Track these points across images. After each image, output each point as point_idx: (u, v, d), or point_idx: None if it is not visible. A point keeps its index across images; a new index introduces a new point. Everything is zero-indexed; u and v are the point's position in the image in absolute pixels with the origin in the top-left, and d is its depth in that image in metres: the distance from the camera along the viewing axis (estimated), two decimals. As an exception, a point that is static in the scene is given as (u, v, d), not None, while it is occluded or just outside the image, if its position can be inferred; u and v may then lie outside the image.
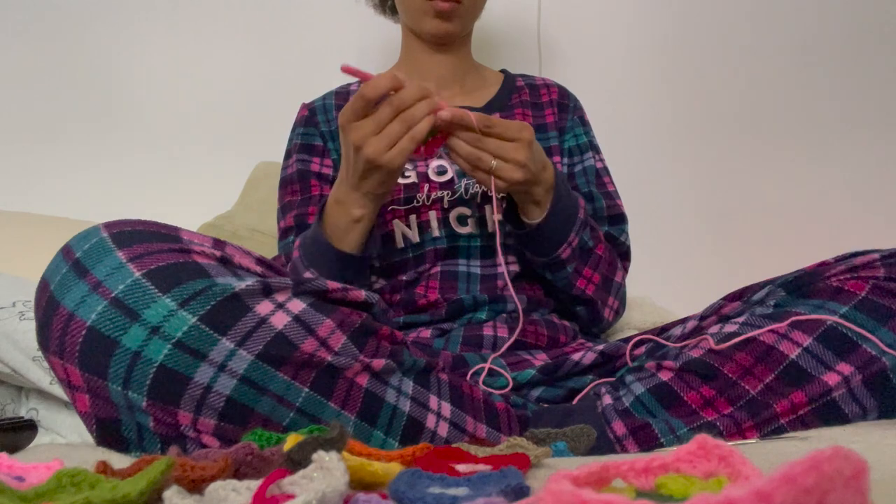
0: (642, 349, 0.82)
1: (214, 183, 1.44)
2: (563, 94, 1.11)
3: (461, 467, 0.42)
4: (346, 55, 1.51)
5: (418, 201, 0.94)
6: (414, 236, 0.94)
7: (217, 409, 0.54)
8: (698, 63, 1.54)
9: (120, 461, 0.44)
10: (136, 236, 0.56)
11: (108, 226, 0.57)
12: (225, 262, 0.58)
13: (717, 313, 0.78)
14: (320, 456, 0.35)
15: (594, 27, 1.54)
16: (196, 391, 0.53)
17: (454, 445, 0.48)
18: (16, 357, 0.87)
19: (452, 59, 1.06)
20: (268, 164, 1.41)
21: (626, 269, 1.00)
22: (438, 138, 0.79)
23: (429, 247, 0.93)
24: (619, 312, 1.00)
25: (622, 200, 1.04)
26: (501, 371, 0.79)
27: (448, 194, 0.94)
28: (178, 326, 0.52)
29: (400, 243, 0.94)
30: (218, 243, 0.60)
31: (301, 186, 1.00)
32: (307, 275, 0.82)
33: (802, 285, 0.72)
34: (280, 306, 0.57)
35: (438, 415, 0.65)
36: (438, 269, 0.93)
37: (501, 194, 0.88)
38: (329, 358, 0.58)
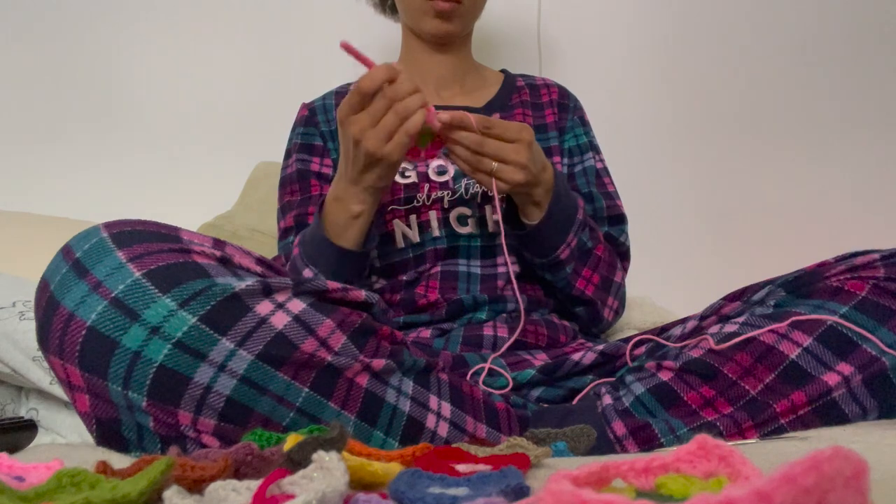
0: (642, 349, 0.82)
1: (214, 183, 1.44)
2: (564, 94, 1.11)
3: (461, 467, 0.42)
4: (347, 55, 1.50)
5: (418, 201, 0.94)
6: (414, 236, 0.94)
7: (217, 409, 0.54)
8: (698, 63, 1.54)
9: (120, 461, 0.44)
10: (136, 236, 0.56)
11: (108, 226, 0.57)
12: (225, 262, 0.58)
13: (717, 313, 0.78)
14: (320, 456, 0.35)
15: (594, 27, 1.54)
16: (196, 391, 0.53)
17: (454, 445, 0.48)
18: (16, 357, 0.87)
19: (452, 59, 1.06)
20: (268, 164, 1.41)
21: (625, 270, 1.00)
22: (438, 141, 0.79)
23: (429, 247, 0.93)
24: (618, 312, 1.00)
25: (622, 201, 1.04)
26: (501, 371, 0.79)
27: (448, 194, 0.94)
28: (178, 326, 0.52)
29: (400, 243, 0.94)
30: (218, 243, 0.60)
31: (301, 186, 1.00)
32: (306, 272, 0.83)
33: (802, 285, 0.72)
34: (280, 306, 0.57)
35: (438, 415, 0.65)
36: (438, 269, 0.93)
37: (501, 195, 0.88)
38: (329, 358, 0.58)
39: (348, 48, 0.74)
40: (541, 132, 1.04)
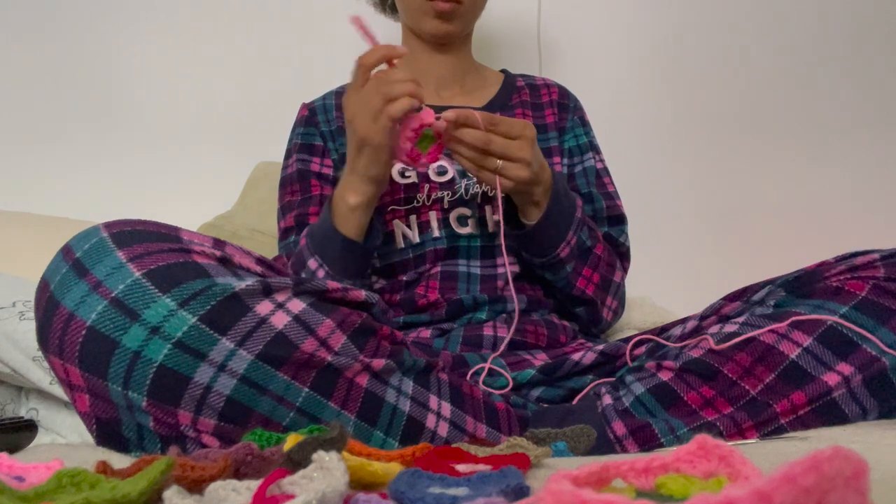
0: (642, 349, 0.82)
1: (214, 183, 1.44)
2: (564, 94, 1.11)
3: (461, 467, 0.42)
4: (346, 55, 1.50)
5: (418, 201, 0.94)
6: (414, 236, 0.94)
7: (217, 409, 0.54)
8: (698, 63, 1.54)
9: (120, 461, 0.44)
10: (136, 236, 0.56)
11: (108, 226, 0.57)
12: (225, 262, 0.58)
13: (717, 313, 0.78)
14: (320, 456, 0.35)
15: (594, 27, 1.54)
16: (196, 391, 0.53)
17: (454, 445, 0.48)
18: (16, 357, 0.87)
19: (453, 59, 1.06)
20: (268, 164, 1.41)
21: (625, 270, 1.00)
22: (439, 145, 0.79)
23: (429, 247, 0.93)
24: (617, 313, 1.00)
25: (622, 201, 1.04)
26: (501, 371, 0.79)
27: (448, 194, 0.95)
28: (178, 326, 0.52)
29: (400, 243, 0.94)
30: (218, 243, 0.60)
31: (301, 186, 1.00)
32: (311, 262, 0.84)
33: (802, 285, 0.72)
34: (280, 306, 0.57)
35: (438, 415, 0.65)
36: (438, 269, 0.93)
37: (491, 189, 0.90)
38: (329, 358, 0.58)
39: (358, 23, 0.75)
40: (541, 132, 1.04)
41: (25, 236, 1.20)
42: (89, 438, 0.59)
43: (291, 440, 0.42)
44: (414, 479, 0.37)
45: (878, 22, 1.53)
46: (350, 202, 0.82)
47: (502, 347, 0.83)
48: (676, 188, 1.53)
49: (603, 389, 0.76)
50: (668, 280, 1.39)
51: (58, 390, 0.87)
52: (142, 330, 0.52)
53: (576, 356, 0.82)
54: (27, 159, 1.49)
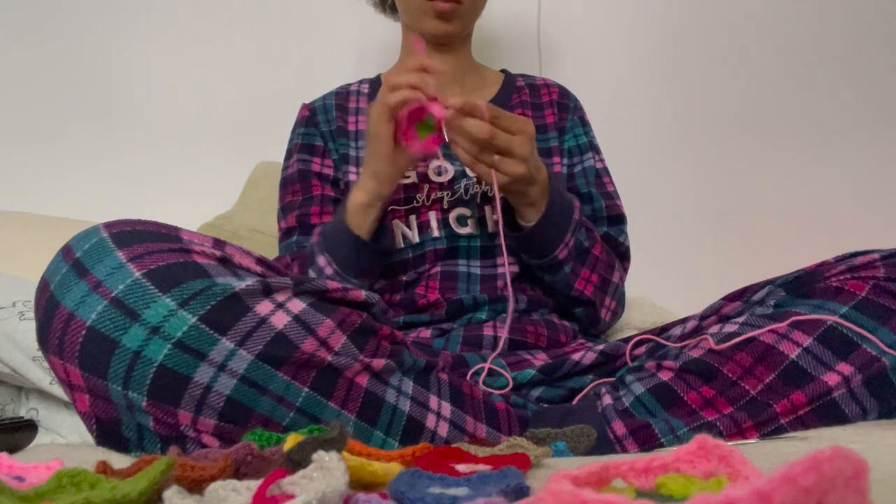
0: (642, 349, 0.82)
1: (214, 183, 1.44)
2: (563, 94, 1.11)
3: (461, 467, 0.42)
4: (347, 55, 1.51)
5: (418, 201, 0.94)
6: (414, 236, 0.94)
7: (217, 409, 0.54)
8: (698, 63, 1.54)
9: (120, 461, 0.44)
10: (136, 236, 0.56)
11: (108, 226, 0.57)
12: (225, 261, 0.58)
13: (717, 313, 0.78)
14: (320, 456, 0.35)
15: (594, 27, 1.54)
16: (196, 391, 0.53)
17: (454, 445, 0.48)
18: (16, 357, 0.87)
19: (452, 59, 1.06)
20: (268, 164, 1.41)
21: (625, 270, 1.00)
22: (439, 136, 0.79)
23: (429, 247, 0.93)
24: (616, 313, 1.00)
25: (622, 201, 1.04)
26: (501, 371, 0.79)
27: (448, 195, 0.95)
28: (178, 326, 0.52)
29: (400, 243, 0.94)
30: (218, 243, 0.60)
31: (302, 186, 1.00)
32: (320, 259, 0.85)
33: (802, 285, 0.72)
34: (280, 306, 0.57)
35: (438, 415, 0.65)
36: (438, 269, 0.93)
37: (491, 189, 0.89)
38: (329, 358, 0.58)
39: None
40: (541, 132, 1.04)
41: (25, 236, 1.21)
42: (89, 438, 0.59)
43: (291, 440, 0.42)
44: (414, 479, 0.37)
45: (878, 22, 1.53)
46: (356, 200, 0.84)
47: (500, 346, 0.83)
48: (676, 188, 1.53)
49: (603, 389, 0.76)
50: (668, 280, 1.38)
51: (58, 390, 0.87)
52: (142, 330, 0.52)
53: (576, 356, 0.82)
54: (27, 159, 1.49)
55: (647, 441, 0.68)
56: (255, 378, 0.54)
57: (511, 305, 0.86)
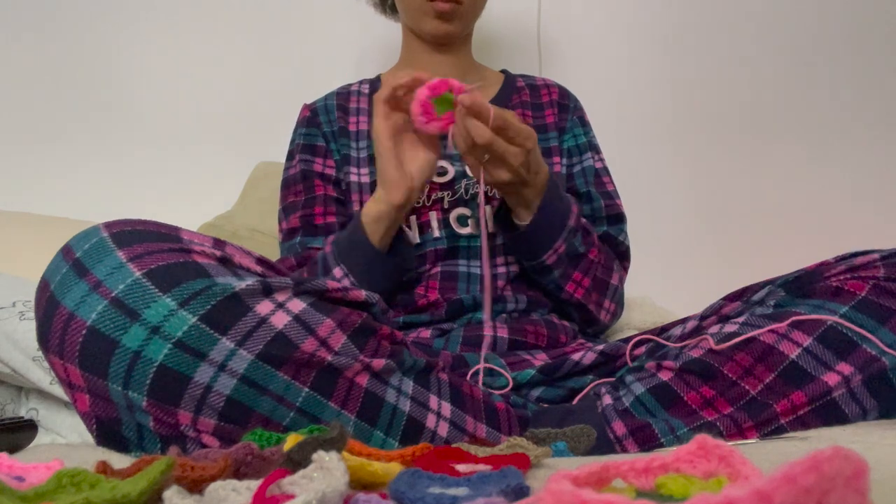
0: (642, 349, 0.82)
1: (214, 183, 1.44)
2: (564, 94, 1.11)
3: (461, 467, 0.42)
4: (347, 55, 1.51)
5: (418, 202, 0.94)
6: (414, 237, 0.94)
7: (217, 409, 0.54)
8: (698, 63, 1.54)
9: (120, 461, 0.44)
10: (136, 236, 0.56)
11: (109, 226, 0.57)
12: (225, 261, 0.58)
13: (718, 313, 0.78)
14: (320, 456, 0.35)
15: (594, 27, 1.54)
16: (196, 391, 0.53)
17: (454, 445, 0.48)
18: (16, 357, 0.87)
19: (453, 60, 1.06)
20: (268, 164, 1.41)
21: (625, 270, 1.00)
22: (452, 113, 0.78)
23: (429, 247, 0.93)
24: (615, 314, 1.00)
25: (622, 200, 1.04)
26: (501, 371, 0.79)
27: (448, 195, 0.95)
28: (178, 326, 0.52)
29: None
30: (218, 243, 0.60)
31: (304, 187, 1.00)
32: (336, 271, 0.84)
33: (802, 285, 0.72)
34: (280, 306, 0.57)
35: (438, 415, 0.65)
36: (438, 269, 0.93)
37: (491, 189, 0.91)
38: (329, 358, 0.58)
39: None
40: (541, 132, 1.04)
41: (25, 236, 1.21)
42: (89, 438, 0.59)
43: (291, 440, 0.42)
44: (414, 479, 0.37)
45: (878, 22, 1.53)
46: (372, 212, 0.83)
47: (486, 344, 0.83)
48: (676, 188, 1.53)
49: (603, 389, 0.76)
50: (668, 280, 1.39)
51: (58, 390, 0.87)
52: (142, 330, 0.52)
53: (576, 356, 0.82)
54: (27, 159, 1.49)
55: (647, 441, 0.68)
56: (256, 378, 0.54)
57: (487, 305, 0.84)
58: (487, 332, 0.86)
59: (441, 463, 0.43)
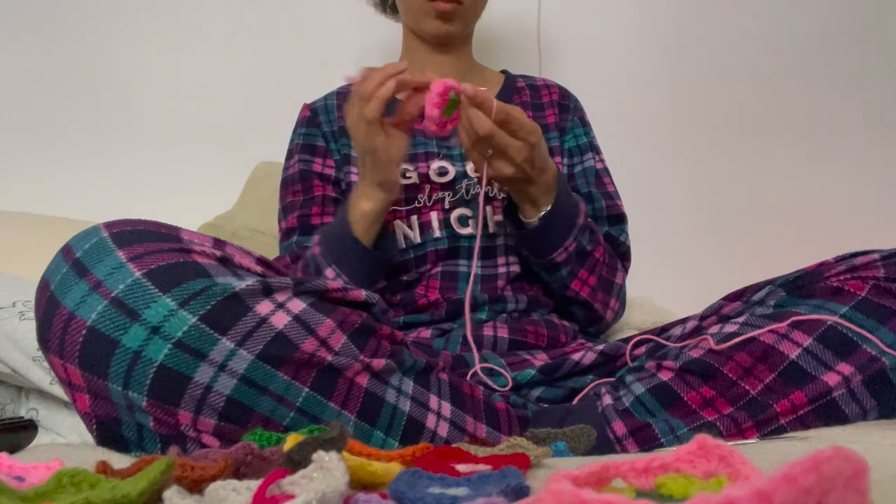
0: (642, 349, 0.82)
1: (214, 183, 1.44)
2: (564, 94, 1.11)
3: (461, 467, 0.42)
4: (347, 55, 1.51)
5: (419, 202, 0.94)
6: (415, 237, 0.94)
7: (217, 409, 0.54)
8: (698, 63, 1.54)
9: (120, 461, 0.44)
10: (136, 236, 0.56)
11: (109, 225, 0.57)
12: (225, 261, 0.58)
13: (718, 313, 0.78)
14: (320, 456, 0.35)
15: (594, 27, 1.54)
16: (196, 391, 0.53)
17: (454, 445, 0.48)
18: (16, 357, 0.87)
19: (453, 60, 1.06)
20: (268, 164, 1.41)
21: (626, 270, 1.00)
22: (455, 116, 0.78)
23: (430, 247, 0.93)
24: (618, 313, 1.00)
25: (622, 200, 1.04)
26: (501, 371, 0.79)
27: (449, 195, 0.95)
28: (178, 326, 0.52)
29: (401, 244, 0.94)
30: (218, 243, 0.60)
31: (303, 187, 1.00)
32: (328, 272, 0.83)
33: (802, 285, 0.72)
34: (280, 306, 0.57)
35: (438, 415, 0.65)
36: (439, 269, 0.93)
37: (492, 189, 0.91)
38: (329, 358, 0.58)
39: (354, 80, 0.79)
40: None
41: (25, 236, 1.21)
42: (89, 438, 0.59)
43: (291, 440, 0.42)
44: (414, 479, 0.37)
45: (878, 22, 1.53)
46: (363, 208, 0.83)
47: (469, 334, 0.83)
48: (677, 188, 1.53)
49: (603, 389, 0.76)
50: (668, 280, 1.39)
51: (58, 390, 0.87)
52: (142, 330, 0.52)
53: (576, 356, 0.82)
54: (27, 159, 1.49)
55: (647, 441, 0.68)
56: (256, 378, 0.54)
57: (467, 306, 0.84)
58: (487, 333, 0.86)
59: (441, 463, 0.43)
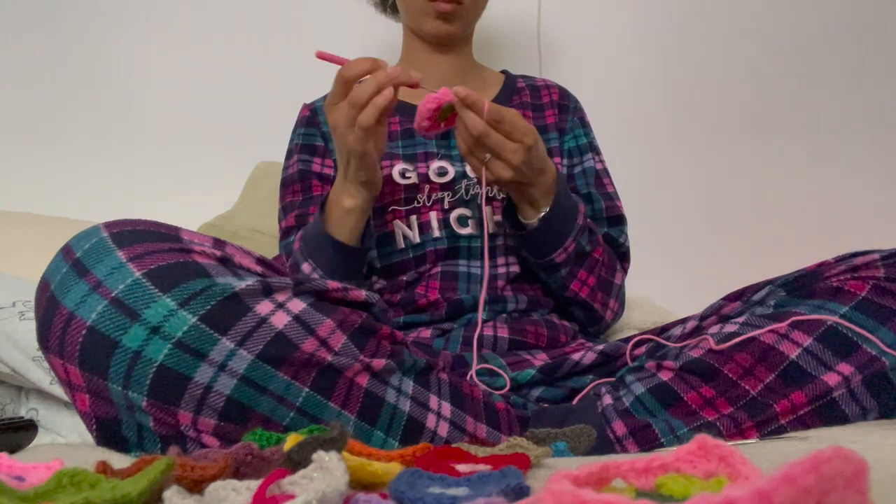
0: (642, 349, 0.82)
1: (214, 183, 1.44)
2: (564, 95, 1.11)
3: (461, 467, 0.42)
4: (347, 55, 1.50)
5: (419, 202, 0.94)
6: (414, 237, 0.94)
7: (217, 409, 0.54)
8: (698, 63, 1.54)
9: (120, 461, 0.44)
10: (136, 236, 0.56)
11: (109, 225, 0.57)
12: (225, 261, 0.58)
13: (718, 313, 0.78)
14: (320, 456, 0.35)
15: (594, 27, 1.54)
16: (196, 391, 0.53)
17: (454, 445, 0.48)
18: (16, 357, 0.87)
19: (453, 60, 1.06)
20: (268, 164, 1.41)
21: (625, 271, 1.00)
22: (452, 117, 0.79)
23: (429, 247, 0.93)
24: (618, 314, 1.00)
25: (622, 201, 1.04)
26: (500, 371, 0.79)
27: (448, 195, 0.95)
28: (178, 326, 0.52)
29: (400, 244, 0.94)
30: (218, 243, 0.60)
31: (302, 187, 1.00)
32: (305, 266, 0.84)
33: (802, 285, 0.72)
34: (280, 306, 0.57)
35: (438, 415, 0.65)
36: (439, 269, 0.93)
37: (492, 190, 0.91)
38: (329, 358, 0.58)
39: (324, 56, 0.76)
40: (541, 133, 1.04)
41: (25, 236, 1.21)
42: (89, 438, 0.59)
43: (291, 440, 0.42)
44: (414, 479, 0.37)
45: (878, 22, 1.53)
46: (346, 205, 0.82)
47: (476, 336, 0.83)
48: (677, 188, 1.53)
49: (603, 389, 0.76)
50: (668, 280, 1.39)
51: (58, 390, 0.87)
52: (142, 330, 0.52)
53: (576, 356, 0.82)
54: (27, 159, 1.49)
55: (647, 441, 0.68)
56: (256, 378, 0.54)
57: (481, 307, 0.84)
58: (487, 333, 0.86)
59: (441, 463, 0.43)
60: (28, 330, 0.87)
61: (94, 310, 0.52)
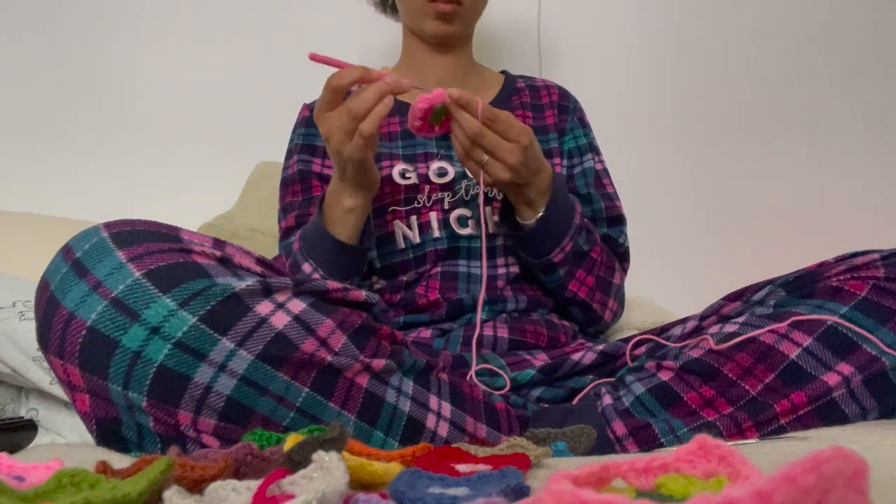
0: (642, 349, 0.82)
1: (214, 183, 1.44)
2: (564, 95, 1.11)
3: (461, 467, 0.42)
4: (347, 55, 1.50)
5: (419, 202, 0.94)
6: (414, 237, 0.94)
7: (217, 409, 0.54)
8: (699, 63, 1.54)
9: (120, 461, 0.44)
10: (136, 236, 0.56)
11: (109, 226, 0.57)
12: (225, 262, 0.58)
13: (718, 313, 0.78)
14: (320, 456, 0.35)
15: (594, 27, 1.54)
16: (196, 391, 0.53)
17: (454, 445, 0.48)
18: (16, 357, 0.87)
19: (453, 60, 1.06)
20: (268, 164, 1.41)
21: (625, 271, 1.00)
22: (447, 121, 0.79)
23: (429, 247, 0.93)
24: (617, 314, 1.00)
25: (622, 201, 1.04)
26: (500, 372, 0.79)
27: (448, 195, 0.95)
28: (178, 326, 0.52)
29: (400, 244, 0.94)
30: (218, 243, 0.60)
31: (302, 187, 1.00)
32: (305, 266, 0.84)
33: (802, 285, 0.72)
34: (280, 306, 0.57)
35: (438, 415, 0.65)
36: (439, 269, 0.93)
37: (492, 190, 0.91)
38: (329, 358, 0.58)
39: (317, 58, 0.76)
40: (541, 133, 1.04)
41: (25, 236, 1.21)
42: (89, 438, 0.59)
43: (291, 440, 0.42)
44: (414, 479, 0.37)
45: (878, 22, 1.53)
46: (346, 205, 0.82)
47: (475, 337, 0.83)
48: (676, 188, 1.53)
49: (603, 389, 0.76)
50: (668, 280, 1.39)
51: (58, 390, 0.87)
52: (142, 330, 0.52)
53: (576, 356, 0.82)
54: (27, 159, 1.49)
55: (647, 441, 0.68)
56: (256, 378, 0.54)
57: (480, 307, 0.84)
58: (487, 333, 0.86)
59: (441, 463, 0.43)
60: (28, 330, 0.87)
61: (94, 310, 0.52)
